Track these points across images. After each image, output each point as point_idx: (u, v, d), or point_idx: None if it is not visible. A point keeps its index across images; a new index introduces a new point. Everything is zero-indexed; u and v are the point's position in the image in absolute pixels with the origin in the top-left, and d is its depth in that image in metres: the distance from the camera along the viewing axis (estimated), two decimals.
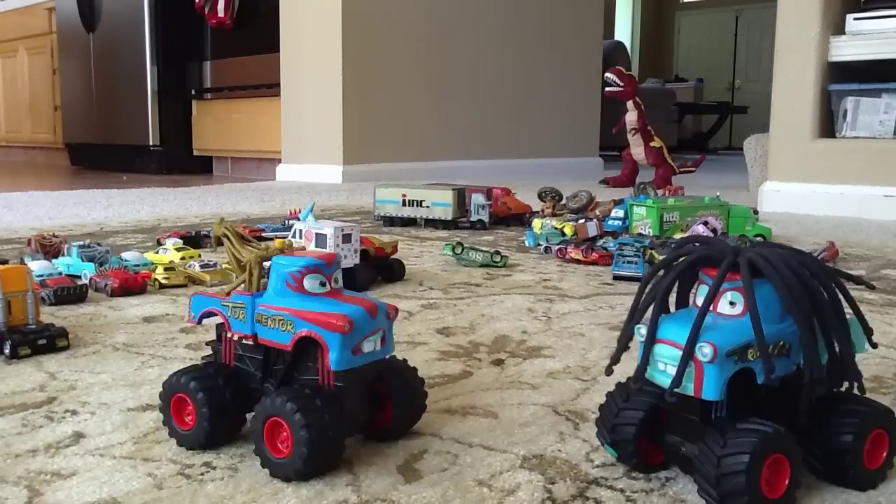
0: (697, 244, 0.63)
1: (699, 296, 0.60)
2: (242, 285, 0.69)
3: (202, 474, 0.63)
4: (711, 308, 0.59)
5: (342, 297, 0.65)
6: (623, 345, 0.63)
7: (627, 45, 8.53)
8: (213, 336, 0.72)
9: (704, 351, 0.55)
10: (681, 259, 0.61)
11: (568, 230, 1.79)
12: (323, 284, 0.65)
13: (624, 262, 1.48)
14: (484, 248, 1.60)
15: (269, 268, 0.67)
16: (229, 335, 0.68)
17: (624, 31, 10.07)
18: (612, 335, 1.07)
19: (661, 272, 0.62)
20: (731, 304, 0.59)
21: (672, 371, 0.57)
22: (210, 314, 0.70)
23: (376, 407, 0.68)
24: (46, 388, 0.83)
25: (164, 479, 0.62)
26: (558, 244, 1.70)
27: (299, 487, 0.60)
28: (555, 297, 1.30)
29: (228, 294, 0.68)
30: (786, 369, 0.58)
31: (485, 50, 4.45)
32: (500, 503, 0.59)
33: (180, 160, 4.67)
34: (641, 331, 0.60)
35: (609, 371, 0.64)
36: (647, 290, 0.62)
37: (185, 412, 0.67)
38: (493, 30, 4.48)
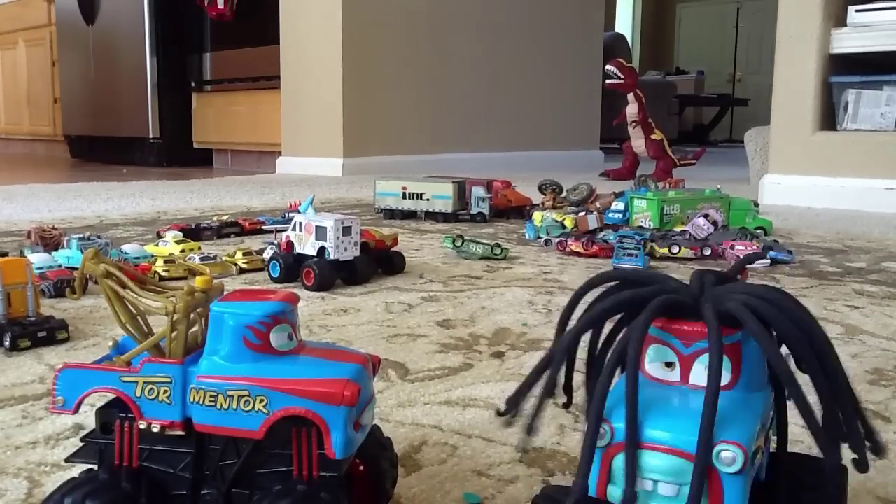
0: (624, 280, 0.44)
1: (649, 361, 0.42)
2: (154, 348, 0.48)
3: None
4: (681, 380, 0.41)
5: (316, 351, 0.49)
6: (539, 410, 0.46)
7: (628, 37, 8.50)
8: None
9: (728, 456, 0.36)
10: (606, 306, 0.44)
11: (568, 223, 1.79)
12: (290, 338, 0.48)
13: (624, 255, 1.48)
14: (484, 241, 1.60)
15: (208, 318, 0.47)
16: (141, 425, 0.47)
17: (625, 23, 10.04)
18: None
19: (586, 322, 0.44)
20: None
21: (671, 492, 0.38)
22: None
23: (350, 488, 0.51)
24: (46, 381, 0.83)
25: None
26: (559, 237, 1.70)
27: None
28: (555, 290, 1.30)
29: (129, 363, 0.47)
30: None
31: (485, 42, 4.44)
32: (498, 493, 0.59)
33: (180, 153, 4.66)
34: (608, 432, 0.39)
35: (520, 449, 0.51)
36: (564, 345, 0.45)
37: None
38: (493, 22, 4.47)
